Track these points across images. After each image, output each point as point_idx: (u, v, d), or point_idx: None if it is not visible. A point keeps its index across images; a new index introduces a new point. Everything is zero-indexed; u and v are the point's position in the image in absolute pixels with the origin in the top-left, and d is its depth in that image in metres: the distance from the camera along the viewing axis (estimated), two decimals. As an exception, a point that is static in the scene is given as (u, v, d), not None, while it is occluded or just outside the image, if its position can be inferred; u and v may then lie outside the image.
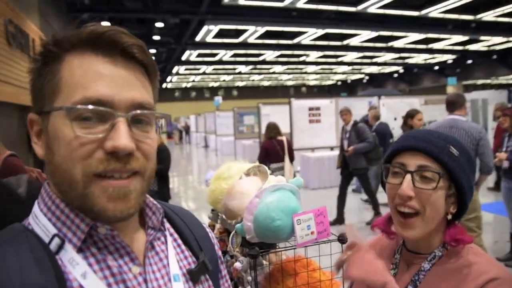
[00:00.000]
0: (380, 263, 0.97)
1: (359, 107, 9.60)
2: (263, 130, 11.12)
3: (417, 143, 1.03)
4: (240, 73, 29.80)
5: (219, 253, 0.87)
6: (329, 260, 1.30)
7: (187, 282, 0.72)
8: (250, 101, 17.38)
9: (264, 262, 1.56)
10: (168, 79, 32.53)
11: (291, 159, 6.12)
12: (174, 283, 0.69)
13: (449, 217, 1.05)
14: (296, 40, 18.18)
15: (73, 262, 0.60)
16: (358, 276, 0.95)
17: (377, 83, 34.67)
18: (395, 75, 32.75)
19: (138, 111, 0.63)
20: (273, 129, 6.25)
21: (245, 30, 16.54)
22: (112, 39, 0.62)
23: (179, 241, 0.78)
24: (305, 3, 12.55)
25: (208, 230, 0.88)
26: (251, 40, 17.90)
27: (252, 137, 14.46)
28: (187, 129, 30.34)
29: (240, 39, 17.66)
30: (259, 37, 17.50)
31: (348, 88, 38.77)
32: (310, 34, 16.96)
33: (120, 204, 0.61)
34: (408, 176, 1.01)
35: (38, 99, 0.65)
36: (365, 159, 6.40)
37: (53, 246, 0.61)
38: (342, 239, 1.29)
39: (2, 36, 7.83)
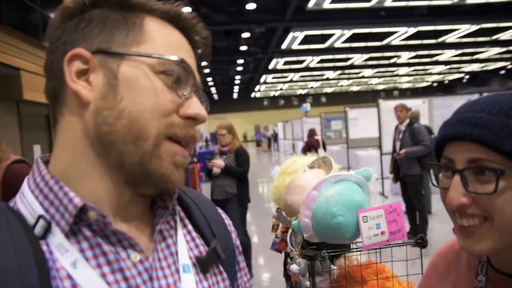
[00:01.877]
0: None
1: (456, 106, 8.69)
2: (352, 135, 10.80)
3: (461, 129, 0.71)
4: (328, 79, 29.40)
5: (237, 242, 0.75)
6: (405, 266, 1.09)
7: (197, 274, 0.62)
8: (338, 107, 16.95)
9: (333, 266, 1.39)
10: (256, 88, 33.29)
11: (324, 149, 9.83)
12: (183, 275, 0.59)
13: None
14: (385, 41, 17.39)
15: (62, 249, 0.51)
16: None
17: (480, 82, 31.68)
18: (502, 71, 29.59)
19: (203, 94, 0.66)
20: (312, 132, 9.95)
21: (331, 35, 16.26)
22: (188, 23, 0.63)
23: (190, 227, 0.67)
24: (394, 0, 11.91)
25: (225, 216, 0.77)
26: (338, 44, 17.55)
27: (340, 142, 14.03)
28: (275, 136, 30.66)
29: (327, 44, 17.41)
30: (346, 41, 17.09)
31: (445, 89, 36.02)
32: (400, 33, 16.10)
33: (179, 173, 0.59)
34: (457, 178, 0.71)
35: (96, 37, 0.57)
36: (419, 165, 5.46)
37: (38, 229, 0.52)
38: (421, 242, 1.07)
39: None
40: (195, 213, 0.69)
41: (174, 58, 0.58)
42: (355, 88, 37.28)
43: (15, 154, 2.56)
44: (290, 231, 1.26)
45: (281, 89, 35.18)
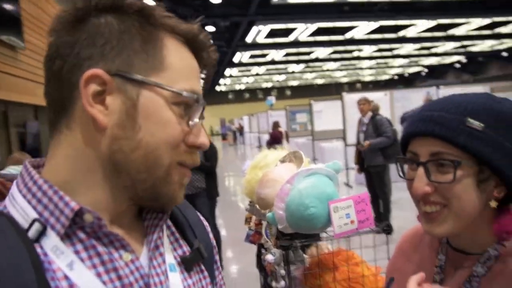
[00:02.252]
0: None
1: (416, 98, 9.06)
2: (316, 127, 10.98)
3: (424, 126, 0.80)
4: (292, 72, 29.67)
5: (214, 242, 0.79)
6: (373, 253, 1.16)
7: (182, 272, 0.65)
8: (304, 100, 17.17)
9: (305, 255, 1.45)
10: (221, 82, 33.10)
11: (287, 141, 11.53)
12: (170, 273, 0.62)
13: (493, 204, 0.79)
14: (348, 35, 17.72)
15: (57, 251, 0.53)
16: None
17: (437, 75, 32.94)
18: (457, 65, 30.87)
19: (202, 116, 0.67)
20: (276, 124, 11.60)
21: (295, 28, 16.40)
22: (203, 45, 0.64)
23: (173, 229, 0.71)
24: (356, -5, 12.17)
25: (203, 218, 0.81)
26: (302, 38, 17.74)
27: (305, 135, 14.23)
28: (240, 130, 30.65)
29: (291, 37, 17.55)
30: (310, 35, 17.29)
31: (406, 82, 37.20)
32: (363, 28, 16.45)
33: (182, 193, 0.64)
34: (421, 170, 0.80)
35: (116, 59, 0.56)
36: (382, 155, 5.64)
37: (33, 232, 0.52)
38: (387, 229, 1.15)
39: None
40: (177, 215, 0.73)
41: (190, 95, 0.59)
42: (319, 81, 37.79)
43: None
44: (265, 223, 1.30)
45: (246, 82, 35.15)
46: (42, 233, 0.53)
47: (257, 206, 1.36)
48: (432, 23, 16.09)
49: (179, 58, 0.60)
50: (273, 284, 1.26)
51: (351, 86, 39.11)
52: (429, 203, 0.81)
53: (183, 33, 0.62)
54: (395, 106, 9.16)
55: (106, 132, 0.55)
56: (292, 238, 1.23)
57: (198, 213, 0.80)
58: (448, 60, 29.03)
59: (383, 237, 1.22)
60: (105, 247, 0.56)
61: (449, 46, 22.45)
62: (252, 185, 1.56)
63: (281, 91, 39.29)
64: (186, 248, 0.69)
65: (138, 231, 0.63)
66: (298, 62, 24.85)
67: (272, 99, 24.28)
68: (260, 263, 1.48)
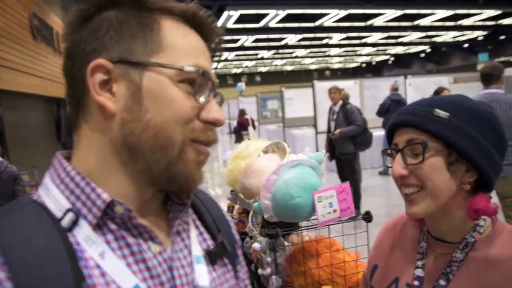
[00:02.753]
0: None
1: (384, 87, 9.30)
2: (287, 114, 11.09)
3: (401, 118, 0.93)
4: (262, 58, 29.59)
5: (237, 236, 0.81)
6: (353, 240, 1.22)
7: (207, 265, 0.67)
8: (274, 87, 17.22)
9: (286, 243, 1.50)
10: (191, 67, 32.57)
11: (254, 127, 12.02)
12: (196, 265, 0.64)
13: (466, 187, 0.89)
14: (318, 23, 17.81)
15: (89, 241, 0.55)
16: None
17: (403, 64, 33.74)
18: (422, 55, 31.74)
19: (219, 93, 0.67)
20: (242, 112, 12.20)
21: (266, 14, 16.31)
22: (204, 21, 0.64)
23: (198, 222, 0.73)
24: (327, -17, 12.22)
25: (226, 213, 0.83)
26: (273, 24, 17.66)
27: (276, 121, 14.34)
28: (211, 116, 30.41)
29: (261, 23, 17.45)
30: (280, 21, 17.24)
31: (373, 70, 37.93)
32: (332, 15, 16.57)
33: (200, 172, 0.64)
34: (398, 155, 0.91)
35: (116, 47, 0.58)
36: (353, 143, 5.80)
37: (66, 221, 0.55)
38: (367, 217, 1.21)
39: (27, 30, 8.03)
40: (201, 209, 0.74)
41: (194, 69, 0.60)
42: (289, 68, 37.92)
43: None
44: (251, 212, 1.34)
45: (216, 68, 34.69)
46: (75, 223, 0.55)
47: (241, 196, 1.39)
48: (399, 12, 16.41)
49: (180, 37, 0.61)
50: (259, 271, 1.30)
51: (320, 73, 39.49)
52: (407, 186, 0.91)
53: (181, 13, 0.62)
54: (365, 94, 9.38)
55: (116, 117, 0.58)
56: (276, 226, 1.27)
57: (221, 208, 0.82)
58: (414, 49, 29.79)
59: (358, 223, 1.29)
60: (134, 238, 0.58)
61: (415, 36, 23.01)
62: (234, 175, 1.59)
63: (251, 77, 39.17)
64: (210, 242, 0.71)
65: (164, 223, 0.66)
66: (268, 48, 24.79)
67: (242, 85, 24.17)
68: (243, 251, 1.52)
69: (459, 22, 19.45)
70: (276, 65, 34.85)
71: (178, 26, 0.62)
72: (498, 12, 17.29)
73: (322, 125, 8.36)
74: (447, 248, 0.94)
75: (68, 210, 0.55)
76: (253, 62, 32.21)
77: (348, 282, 1.21)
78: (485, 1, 14.95)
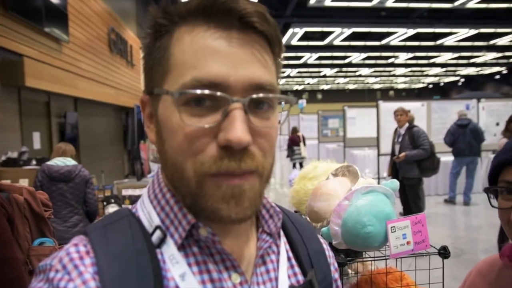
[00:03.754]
0: None
1: (454, 110, 8.83)
2: (349, 134, 10.86)
3: None
4: (325, 76, 29.43)
5: (336, 275, 0.73)
6: (427, 276, 1.15)
7: None
8: (335, 105, 17.03)
9: (350, 271, 1.44)
10: (253, 82, 33.16)
11: (304, 144, 12.33)
12: None
13: None
14: (384, 41, 17.44)
15: (173, 260, 0.54)
16: None
17: (475, 86, 31.92)
18: (497, 76, 29.81)
19: (260, 95, 0.52)
20: (294, 129, 12.54)
21: (331, 32, 16.26)
22: (228, 6, 0.51)
23: (290, 254, 0.66)
24: (395, 1, 11.94)
25: (326, 247, 0.74)
26: (337, 42, 17.56)
27: (336, 140, 14.09)
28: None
29: (326, 41, 17.42)
30: (345, 39, 17.10)
31: (441, 92, 36.26)
32: (399, 34, 16.15)
33: (234, 206, 0.52)
34: None
35: (148, 79, 0.58)
36: (418, 168, 5.58)
37: (155, 238, 0.55)
38: (444, 252, 1.13)
39: (105, 43, 8.66)
40: (296, 240, 0.67)
41: (186, 91, 0.50)
42: (351, 86, 37.34)
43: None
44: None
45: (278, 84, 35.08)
46: (162, 240, 0.55)
47: (308, 218, 1.36)
48: (472, 32, 15.60)
49: (185, 47, 0.52)
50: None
51: (384, 93, 38.44)
52: None
53: (196, 8, 0.52)
54: (432, 117, 8.94)
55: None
56: (341, 254, 1.23)
57: (323, 242, 0.74)
58: (487, 70, 28.08)
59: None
60: (215, 265, 0.56)
61: (490, 56, 21.72)
62: (300, 196, 1.56)
63: (312, 94, 39.04)
64: (300, 277, 0.64)
65: (252, 248, 0.61)
66: (331, 66, 24.63)
67: (303, 102, 24.14)
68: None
69: (540, 43, 18.10)
70: (338, 83, 34.46)
71: (191, 31, 0.53)
72: None
73: (385, 146, 8.08)
74: None
75: (157, 227, 0.56)
76: (315, 80, 32.10)
77: (419, 321, 1.13)
78: None
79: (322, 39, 17.35)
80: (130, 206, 0.62)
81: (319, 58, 21.99)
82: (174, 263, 0.54)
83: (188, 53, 0.52)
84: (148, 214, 0.58)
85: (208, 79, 0.50)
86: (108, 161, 9.66)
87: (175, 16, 0.54)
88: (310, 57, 21.53)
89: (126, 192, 4.33)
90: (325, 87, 37.85)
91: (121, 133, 11.22)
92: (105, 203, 3.98)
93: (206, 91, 0.50)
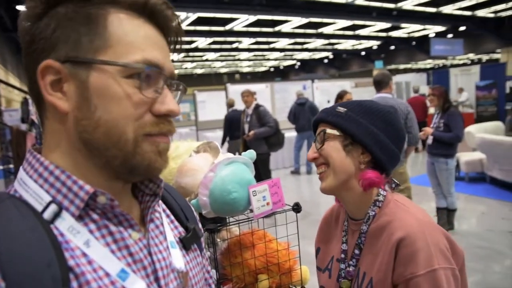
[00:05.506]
0: None
1: (293, 91, 9.81)
2: (200, 117, 11.07)
3: (317, 116, 1.22)
4: (172, 61, 29.05)
5: (200, 224, 0.86)
6: (285, 230, 1.32)
7: (180, 249, 0.72)
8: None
9: (218, 239, 1.55)
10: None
11: None
12: (171, 250, 0.68)
13: (361, 166, 1.13)
14: (228, 27, 18.08)
15: (73, 231, 0.56)
16: None
17: (309, 69, 35.69)
18: (325, 60, 33.86)
19: (177, 81, 0.68)
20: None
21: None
22: (157, 9, 0.63)
23: (168, 212, 0.77)
24: (236, -12, 12.50)
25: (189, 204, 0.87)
26: (183, 27, 17.42)
27: (188, 124, 14.23)
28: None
29: (171, 25, 17.20)
30: (190, 24, 17.15)
31: (281, 74, 39.48)
32: (242, 20, 16.96)
33: (163, 160, 0.63)
34: (313, 143, 1.19)
35: (62, 46, 0.57)
36: (267, 144, 6.16)
37: (48, 214, 0.56)
38: (296, 208, 1.31)
39: None
40: (169, 199, 0.79)
41: (139, 65, 0.59)
42: (199, 71, 37.81)
43: None
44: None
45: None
46: (57, 215, 0.56)
47: (175, 195, 1.41)
48: (304, 20, 17.36)
49: (128, 31, 0.60)
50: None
51: (231, 76, 39.99)
52: (318, 166, 1.18)
53: (131, 4, 0.61)
54: (276, 97, 9.76)
55: (69, 116, 0.59)
56: (214, 222, 1.32)
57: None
58: (318, 55, 31.65)
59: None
60: (115, 226, 0.61)
61: (319, 42, 24.49)
62: (165, 175, 1.59)
63: (160, 80, 38.20)
64: (180, 229, 0.76)
65: (137, 212, 0.68)
66: (178, 51, 24.52)
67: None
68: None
69: (357, 32, 21.19)
70: (186, 68, 34.52)
71: (129, 19, 0.61)
72: (388, 25, 19.19)
73: (236, 127, 8.52)
74: (358, 225, 1.16)
75: (50, 203, 0.56)
76: (163, 64, 31.49)
77: (281, 269, 1.30)
78: (378, 14, 16.50)
79: (168, 23, 17.10)
80: (6, 190, 0.60)
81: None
82: (75, 233, 0.56)
83: (133, 36, 0.60)
84: (35, 193, 0.58)
85: (155, 61, 0.61)
86: None
87: (110, 1, 0.60)
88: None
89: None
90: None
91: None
92: None
93: (155, 69, 0.61)
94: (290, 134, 9.19)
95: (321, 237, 1.32)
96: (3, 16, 12.74)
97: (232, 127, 7.14)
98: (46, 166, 0.59)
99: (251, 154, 1.33)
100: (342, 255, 1.18)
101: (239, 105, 7.53)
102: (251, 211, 1.25)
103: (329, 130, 1.14)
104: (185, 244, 0.73)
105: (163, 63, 0.63)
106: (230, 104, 7.69)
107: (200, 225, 0.85)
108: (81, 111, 0.58)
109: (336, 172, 1.12)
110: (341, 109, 1.15)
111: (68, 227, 0.56)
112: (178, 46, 0.70)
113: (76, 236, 0.56)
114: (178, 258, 0.68)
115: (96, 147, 0.59)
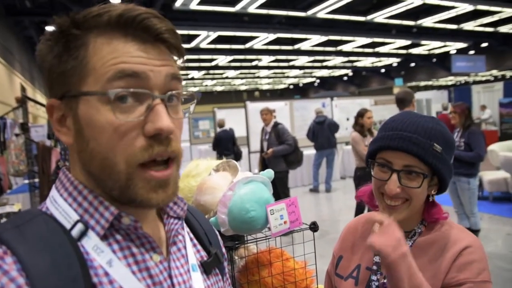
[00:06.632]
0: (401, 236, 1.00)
1: (312, 108, 9.83)
2: (219, 134, 11.17)
3: (404, 144, 1.07)
4: (193, 78, 29.59)
5: (224, 249, 0.86)
6: (302, 248, 1.34)
7: (201, 273, 0.72)
8: (204, 107, 17.33)
9: (236, 257, 1.57)
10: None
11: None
12: (192, 273, 0.69)
13: (431, 199, 1.15)
14: (248, 45, 18.33)
15: (98, 250, 0.59)
16: (378, 244, 0.96)
17: (328, 86, 35.67)
18: (345, 78, 33.84)
19: (174, 92, 0.61)
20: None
21: (197, 35, 16.46)
22: (146, 24, 0.58)
23: (191, 235, 0.78)
24: (257, 8, 12.70)
25: (214, 228, 0.89)
26: (203, 45, 17.85)
27: (208, 142, 14.34)
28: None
29: (192, 44, 17.55)
30: (211, 42, 17.48)
31: (301, 91, 39.56)
32: (262, 38, 17.18)
33: (162, 193, 0.60)
34: (395, 175, 1.08)
35: (58, 84, 0.60)
36: (285, 162, 6.15)
37: (76, 232, 0.58)
38: (313, 227, 1.33)
39: None
40: (193, 223, 0.80)
41: (112, 92, 0.56)
42: (219, 88, 38.28)
43: None
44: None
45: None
46: (83, 234, 0.59)
47: (195, 212, 1.45)
48: (323, 38, 17.47)
49: (105, 54, 0.57)
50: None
51: (250, 94, 40.31)
52: (395, 199, 1.10)
53: (107, 24, 0.58)
54: (295, 115, 9.79)
55: (73, 148, 0.62)
56: (232, 239, 1.35)
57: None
58: (337, 73, 31.68)
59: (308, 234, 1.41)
60: (137, 248, 0.63)
61: (338, 60, 24.54)
62: (185, 193, 1.63)
63: (181, 97, 38.75)
64: (203, 253, 0.77)
65: (161, 234, 0.70)
66: (198, 68, 24.93)
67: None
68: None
69: (376, 49, 21.16)
70: (206, 85, 35.00)
71: (108, 42, 0.58)
72: (408, 42, 19.11)
73: (254, 144, 8.58)
74: None
75: (78, 221, 0.60)
76: (183, 82, 31.88)
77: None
78: (397, 32, 16.48)
79: (189, 42, 17.45)
80: (39, 207, 0.64)
81: (187, 60, 21.89)
82: (99, 252, 0.59)
83: (109, 56, 0.57)
84: (64, 212, 0.61)
85: (131, 69, 0.57)
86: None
87: (91, 27, 0.58)
88: (177, 60, 21.44)
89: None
90: (194, 89, 38.11)
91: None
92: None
93: (132, 90, 0.56)
94: (309, 151, 9.18)
95: (344, 245, 1.29)
96: (33, 36, 13.27)
97: (220, 145, 7.82)
98: (76, 186, 0.62)
99: (269, 173, 1.36)
100: (375, 267, 1.17)
101: (258, 123, 7.60)
102: (269, 229, 1.28)
103: (421, 169, 1.07)
104: (206, 268, 0.74)
105: (147, 68, 0.58)
106: (220, 125, 8.38)
107: (223, 250, 0.86)
108: (78, 143, 0.61)
109: (414, 207, 1.11)
110: (438, 148, 1.07)
111: (93, 246, 0.59)
112: (179, 50, 0.66)
113: (100, 255, 0.59)
114: (198, 282, 0.70)
115: (97, 178, 0.61)
